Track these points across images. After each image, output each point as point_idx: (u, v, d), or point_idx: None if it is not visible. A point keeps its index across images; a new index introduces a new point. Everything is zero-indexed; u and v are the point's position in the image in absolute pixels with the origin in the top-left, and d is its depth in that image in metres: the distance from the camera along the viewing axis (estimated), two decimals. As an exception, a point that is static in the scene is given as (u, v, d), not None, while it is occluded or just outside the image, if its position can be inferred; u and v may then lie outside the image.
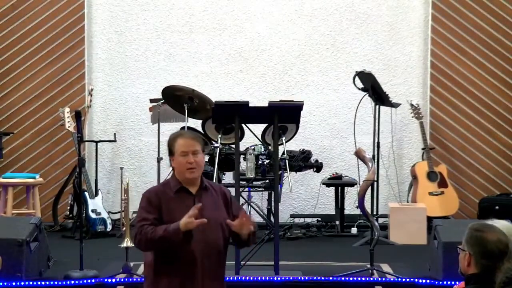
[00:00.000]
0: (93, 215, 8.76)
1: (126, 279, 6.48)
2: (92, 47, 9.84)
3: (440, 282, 6.37)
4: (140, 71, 9.86)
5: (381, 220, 9.02)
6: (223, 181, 8.37)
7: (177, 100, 8.17)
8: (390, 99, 8.92)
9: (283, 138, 7.58)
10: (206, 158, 8.36)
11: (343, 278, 6.49)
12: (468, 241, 3.65)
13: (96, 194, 8.98)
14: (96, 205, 8.85)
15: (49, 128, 9.65)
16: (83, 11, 9.67)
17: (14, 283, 6.27)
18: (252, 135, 7.09)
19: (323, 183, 9.31)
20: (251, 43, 9.84)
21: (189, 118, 8.23)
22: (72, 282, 6.42)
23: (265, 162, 7.74)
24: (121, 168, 9.48)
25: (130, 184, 9.35)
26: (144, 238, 4.34)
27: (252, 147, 7.88)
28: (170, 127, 9.18)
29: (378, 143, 8.91)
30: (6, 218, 8.04)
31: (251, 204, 7.82)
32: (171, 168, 4.61)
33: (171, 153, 4.50)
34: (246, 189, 8.23)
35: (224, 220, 4.41)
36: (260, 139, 7.60)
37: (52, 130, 9.63)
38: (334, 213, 9.28)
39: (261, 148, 7.81)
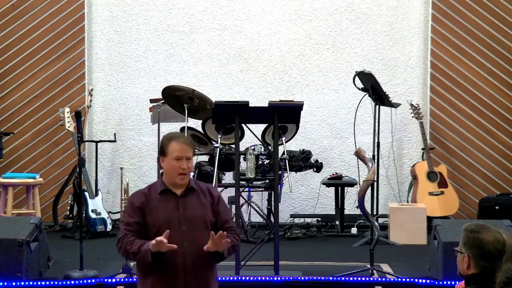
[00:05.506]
0: (93, 215, 8.76)
1: (126, 279, 6.47)
2: (92, 47, 9.84)
3: (440, 282, 6.36)
4: (140, 71, 9.85)
5: (381, 220, 9.02)
6: (223, 181, 8.37)
7: (177, 100, 8.17)
8: (390, 99, 8.92)
9: (283, 138, 7.58)
10: (206, 158, 8.37)
11: (343, 278, 6.48)
12: (465, 243, 3.64)
13: (96, 194, 8.97)
14: (96, 205, 8.85)
15: (49, 128, 9.64)
16: (83, 11, 9.66)
17: (14, 283, 6.27)
18: (252, 135, 7.08)
19: (323, 183, 9.30)
20: (251, 43, 9.84)
21: (189, 118, 8.23)
22: (72, 282, 6.41)
23: (265, 162, 7.74)
24: (121, 168, 9.50)
25: (130, 184, 9.40)
26: (123, 247, 4.42)
27: (252, 147, 7.88)
28: (170, 127, 9.18)
29: (378, 143, 8.91)
30: (6, 218, 8.04)
31: (251, 204, 7.83)
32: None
33: (163, 153, 4.46)
34: (246, 189, 8.24)
35: (209, 219, 4.41)
36: (260, 139, 7.60)
37: (52, 130, 9.63)
38: (334, 213, 9.27)
39: (261, 148, 7.80)
